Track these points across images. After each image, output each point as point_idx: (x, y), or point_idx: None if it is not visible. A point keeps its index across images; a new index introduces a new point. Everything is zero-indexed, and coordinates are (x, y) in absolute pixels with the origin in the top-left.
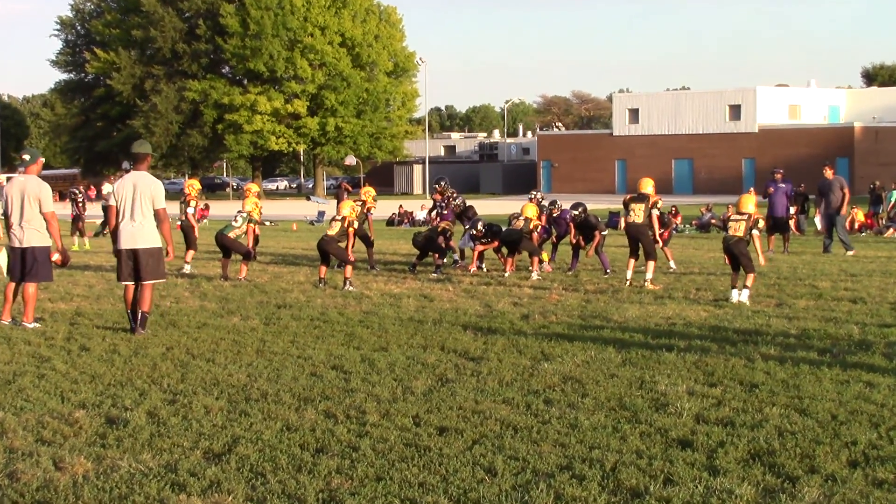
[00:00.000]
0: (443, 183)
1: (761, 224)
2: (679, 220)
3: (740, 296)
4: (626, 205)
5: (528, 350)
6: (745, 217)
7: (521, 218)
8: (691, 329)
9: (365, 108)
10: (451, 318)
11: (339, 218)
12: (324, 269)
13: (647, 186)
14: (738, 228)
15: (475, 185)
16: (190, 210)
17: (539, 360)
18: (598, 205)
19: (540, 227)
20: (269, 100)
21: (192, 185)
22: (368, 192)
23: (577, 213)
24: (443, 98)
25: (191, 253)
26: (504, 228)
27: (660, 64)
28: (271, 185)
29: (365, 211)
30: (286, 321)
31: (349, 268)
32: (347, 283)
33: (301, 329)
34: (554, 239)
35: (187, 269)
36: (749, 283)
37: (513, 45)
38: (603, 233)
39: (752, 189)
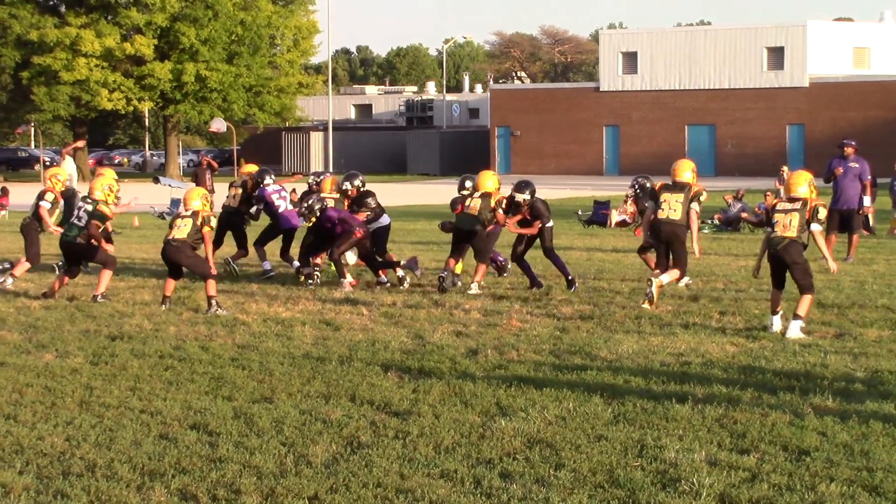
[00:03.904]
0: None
1: (822, 213)
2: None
3: (789, 329)
4: (655, 196)
5: (476, 401)
6: (799, 205)
7: (477, 196)
8: (713, 370)
9: (240, 49)
10: (366, 355)
11: (188, 213)
12: (171, 284)
13: (687, 171)
14: (789, 224)
15: (401, 162)
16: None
17: (493, 415)
18: (579, 191)
19: (504, 201)
20: (99, 36)
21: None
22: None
23: (524, 196)
24: (353, 36)
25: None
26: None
27: None
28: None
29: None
30: (124, 359)
31: (211, 283)
32: (213, 304)
33: (146, 371)
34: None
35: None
36: (803, 310)
37: None
38: (548, 224)
39: (784, 169)
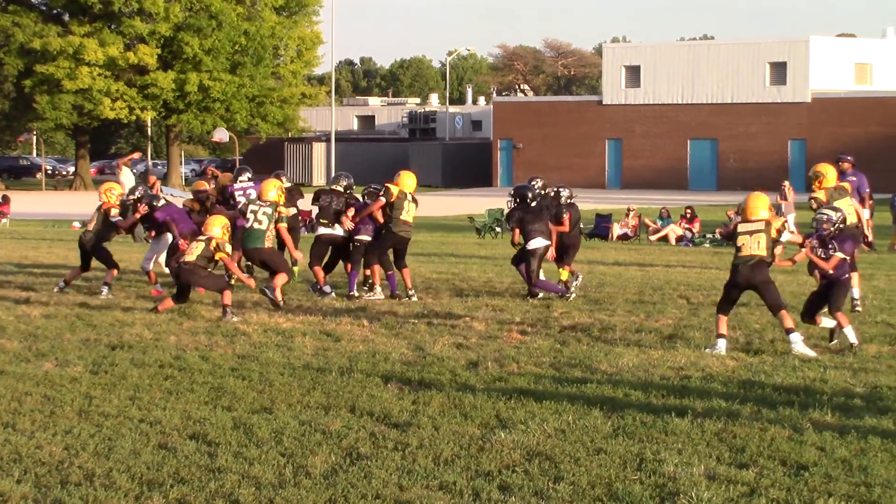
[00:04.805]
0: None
1: (789, 237)
2: (697, 227)
3: (792, 344)
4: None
5: (476, 413)
6: (763, 226)
7: (410, 200)
8: (713, 385)
9: (243, 59)
10: (366, 366)
11: (204, 237)
12: (171, 303)
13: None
14: (754, 245)
15: None
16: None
17: (493, 427)
18: (582, 204)
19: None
20: (102, 45)
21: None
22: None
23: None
24: (357, 48)
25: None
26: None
27: (670, 2)
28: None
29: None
30: (123, 368)
31: (227, 294)
32: (228, 311)
33: (145, 380)
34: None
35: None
36: (790, 322)
37: None
38: (532, 244)
39: (786, 183)
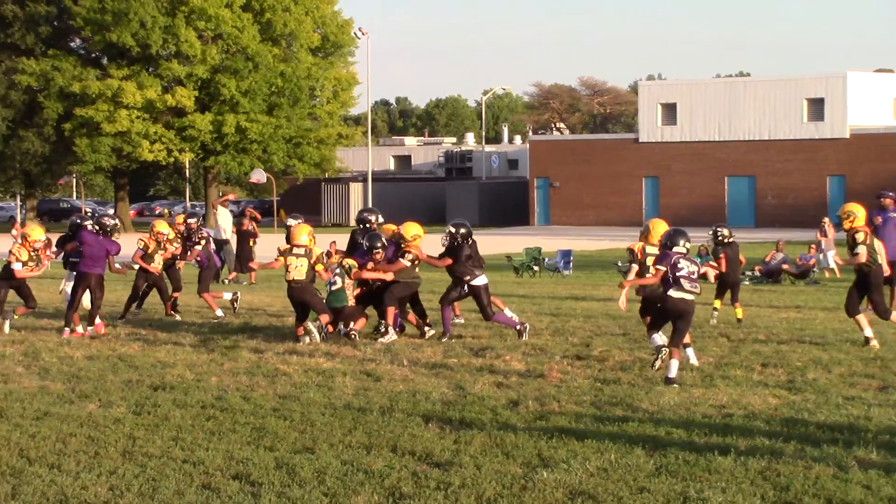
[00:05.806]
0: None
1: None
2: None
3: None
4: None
5: (518, 452)
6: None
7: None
8: (755, 423)
9: (280, 100)
10: (407, 406)
11: (301, 252)
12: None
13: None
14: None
15: (440, 212)
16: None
17: (535, 466)
18: (619, 243)
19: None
20: (141, 88)
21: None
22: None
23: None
24: (393, 88)
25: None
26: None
27: (706, 40)
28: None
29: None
30: (166, 409)
31: (324, 316)
32: (323, 332)
33: (188, 421)
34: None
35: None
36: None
37: (494, 12)
38: (475, 279)
39: (826, 220)
